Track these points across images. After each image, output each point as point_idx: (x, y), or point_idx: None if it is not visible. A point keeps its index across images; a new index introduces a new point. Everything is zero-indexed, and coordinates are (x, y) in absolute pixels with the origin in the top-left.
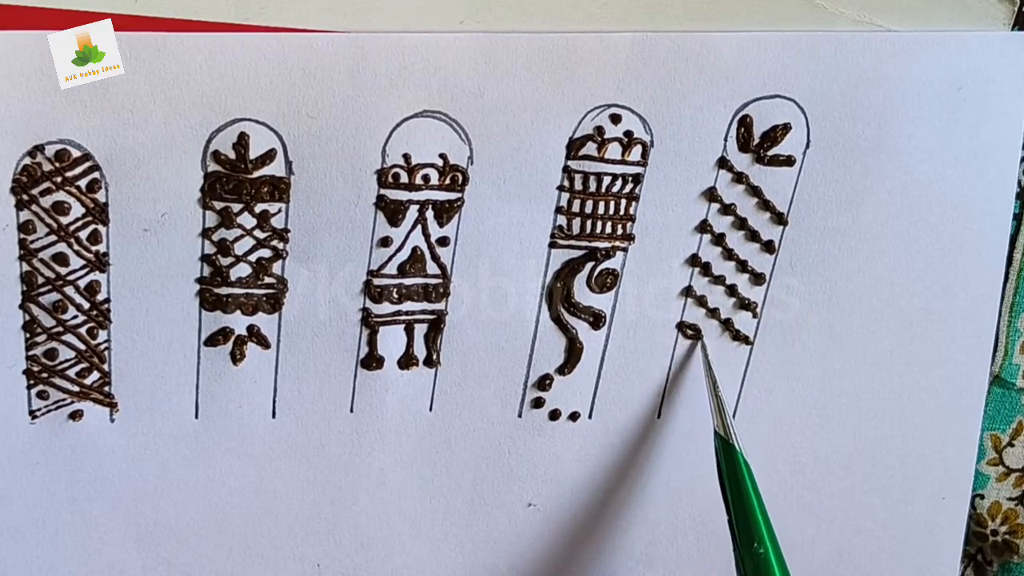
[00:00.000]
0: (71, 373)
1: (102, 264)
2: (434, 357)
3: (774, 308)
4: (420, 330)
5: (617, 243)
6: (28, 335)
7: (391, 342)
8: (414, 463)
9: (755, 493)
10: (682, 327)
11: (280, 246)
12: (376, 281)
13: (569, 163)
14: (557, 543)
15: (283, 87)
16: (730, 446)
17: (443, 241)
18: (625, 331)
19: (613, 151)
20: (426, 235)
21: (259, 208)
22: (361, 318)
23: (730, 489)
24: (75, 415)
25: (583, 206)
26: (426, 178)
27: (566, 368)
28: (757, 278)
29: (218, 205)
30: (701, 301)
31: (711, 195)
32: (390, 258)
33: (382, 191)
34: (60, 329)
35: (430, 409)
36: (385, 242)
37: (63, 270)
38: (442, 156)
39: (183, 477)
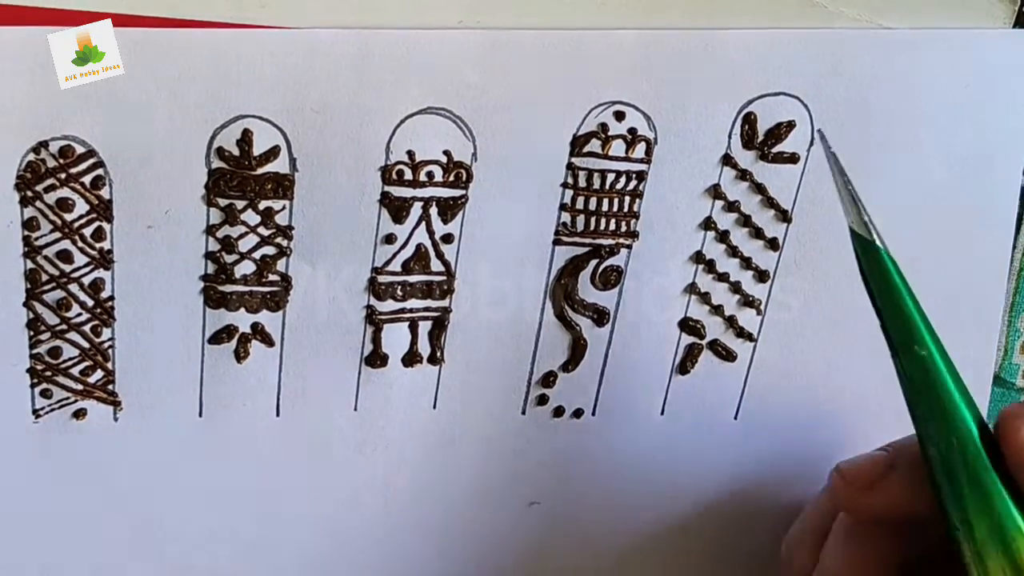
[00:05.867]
0: (75, 371)
1: (106, 261)
2: (438, 354)
3: (778, 305)
4: (424, 327)
5: (621, 240)
6: (32, 333)
7: (395, 339)
8: (417, 461)
9: (907, 291)
10: (686, 324)
11: (284, 243)
12: (380, 278)
13: (573, 160)
14: (560, 540)
15: (287, 84)
16: (871, 244)
17: (447, 238)
18: (629, 328)
19: (617, 148)
20: (430, 232)
21: (263, 205)
22: (365, 315)
23: (877, 291)
24: (79, 413)
25: (587, 203)
26: (430, 175)
27: (570, 365)
28: (761, 275)
29: (222, 202)
30: (705, 298)
31: (715, 192)
32: (394, 255)
33: (386, 188)
34: (64, 327)
35: (434, 406)
36: (389, 239)
37: (67, 267)
38: (446, 153)
39: (187, 475)
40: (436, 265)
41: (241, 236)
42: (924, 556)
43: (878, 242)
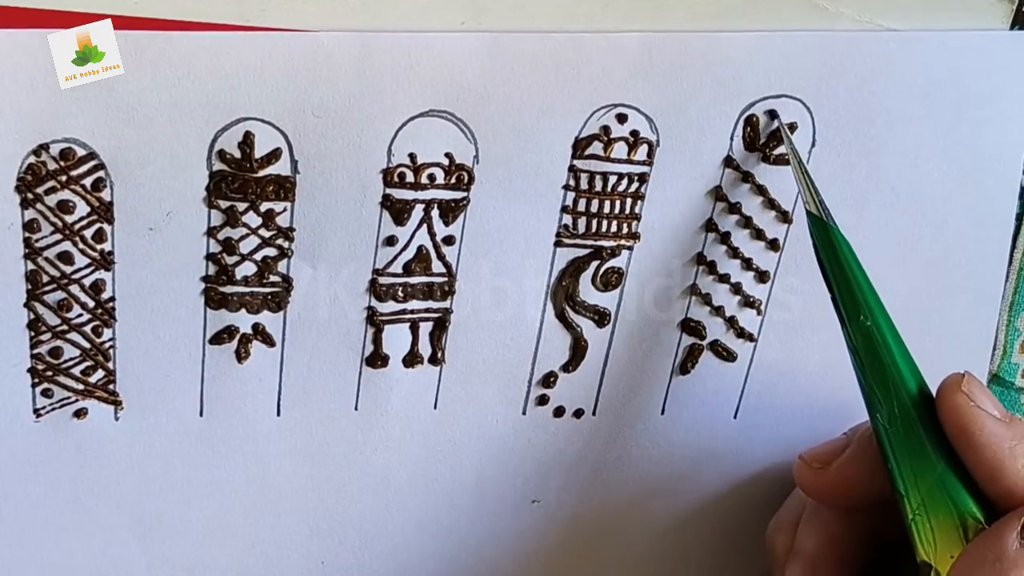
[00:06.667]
0: (76, 371)
1: (107, 263)
2: (439, 355)
3: (778, 306)
4: (425, 328)
5: (623, 242)
6: (33, 333)
7: (396, 340)
8: (418, 461)
9: (856, 266)
10: (686, 325)
11: (285, 245)
12: (381, 280)
13: (575, 162)
14: (561, 539)
15: (289, 86)
16: (823, 223)
17: (449, 240)
18: (629, 329)
19: (619, 150)
20: (432, 234)
21: (264, 207)
22: (366, 316)
23: (829, 265)
24: (80, 413)
25: (589, 205)
26: (432, 177)
27: (570, 366)
28: (762, 276)
29: (223, 204)
30: (706, 299)
31: (717, 194)
32: (395, 257)
33: (388, 190)
34: (65, 327)
35: (435, 407)
36: (390, 241)
37: (68, 268)
38: (448, 155)
39: (187, 475)
40: (437, 266)
41: (242, 238)
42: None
43: (831, 223)
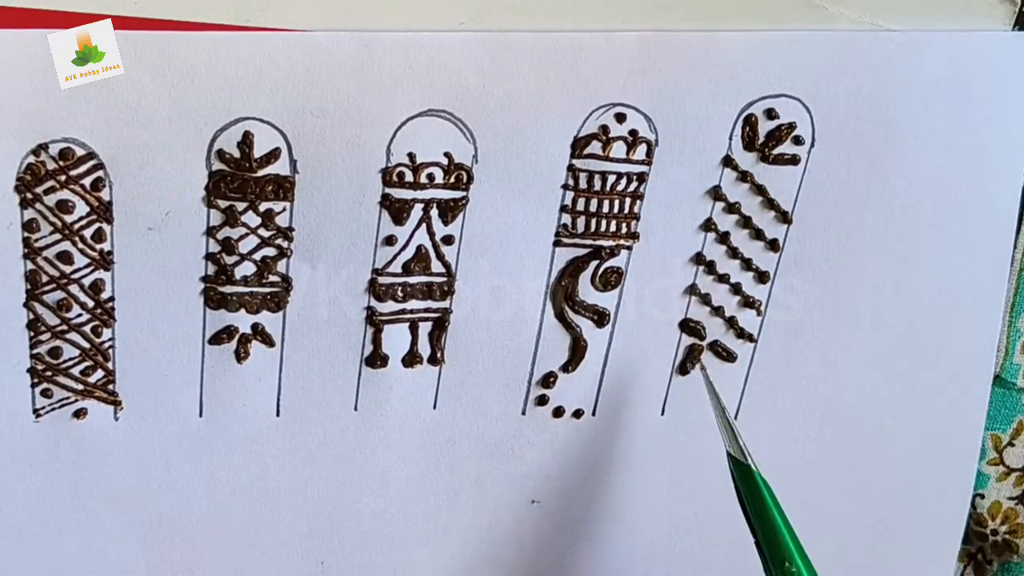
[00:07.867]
0: (75, 371)
1: (106, 262)
2: (438, 355)
3: (778, 306)
4: (424, 328)
5: (622, 242)
6: (32, 333)
7: (395, 340)
8: (418, 461)
9: (778, 511)
10: (686, 325)
11: (284, 245)
12: (380, 280)
13: (574, 162)
14: (560, 540)
15: (288, 86)
16: (746, 468)
17: (448, 240)
18: (629, 329)
19: (618, 150)
20: (431, 234)
21: (263, 207)
22: (365, 316)
23: (753, 511)
24: (79, 413)
25: (588, 205)
26: (431, 177)
27: (570, 366)
28: (761, 276)
29: (223, 204)
30: (705, 299)
31: (716, 194)
32: (395, 257)
33: (387, 190)
34: (64, 327)
35: (434, 407)
36: (390, 241)
37: (67, 268)
38: (447, 155)
39: (187, 475)
40: (436, 266)
41: (241, 237)
42: None
43: (754, 467)
